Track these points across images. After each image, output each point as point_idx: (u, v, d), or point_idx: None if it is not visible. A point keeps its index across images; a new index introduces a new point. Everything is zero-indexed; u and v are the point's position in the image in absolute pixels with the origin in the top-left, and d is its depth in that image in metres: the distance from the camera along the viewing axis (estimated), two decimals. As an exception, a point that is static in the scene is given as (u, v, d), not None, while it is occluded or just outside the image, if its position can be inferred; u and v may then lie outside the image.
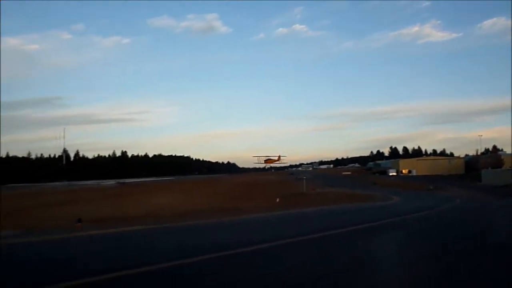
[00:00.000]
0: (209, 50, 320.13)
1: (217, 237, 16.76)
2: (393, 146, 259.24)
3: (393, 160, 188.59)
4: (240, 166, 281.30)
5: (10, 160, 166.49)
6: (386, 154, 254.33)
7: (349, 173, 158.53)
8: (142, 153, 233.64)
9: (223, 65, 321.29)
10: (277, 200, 47.27)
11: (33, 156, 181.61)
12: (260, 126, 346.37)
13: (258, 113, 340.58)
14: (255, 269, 9.54)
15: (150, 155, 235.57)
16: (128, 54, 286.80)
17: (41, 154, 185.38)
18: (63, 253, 13.92)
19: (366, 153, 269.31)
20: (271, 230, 19.50)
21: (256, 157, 54.29)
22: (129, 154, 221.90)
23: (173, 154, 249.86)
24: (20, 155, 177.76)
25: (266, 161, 50.91)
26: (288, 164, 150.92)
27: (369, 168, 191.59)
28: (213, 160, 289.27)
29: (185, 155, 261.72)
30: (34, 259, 12.37)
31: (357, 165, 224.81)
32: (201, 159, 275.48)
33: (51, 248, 15.64)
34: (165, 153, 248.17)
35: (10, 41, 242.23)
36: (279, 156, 52.30)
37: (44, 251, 14.63)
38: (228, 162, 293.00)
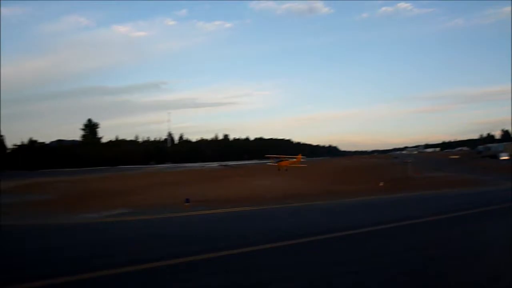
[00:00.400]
0: (310, 32, 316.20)
1: (322, 219, 16.51)
2: (505, 129, 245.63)
3: (505, 143, 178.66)
4: (342, 149, 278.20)
5: (119, 143, 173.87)
6: (497, 137, 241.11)
7: (457, 156, 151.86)
8: (243, 136, 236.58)
9: (325, 47, 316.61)
10: (381, 184, 45.95)
11: (140, 139, 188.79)
12: (362, 108, 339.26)
13: (361, 95, 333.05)
14: (364, 252, 9.33)
15: (251, 138, 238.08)
16: (231, 38, 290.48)
17: (148, 137, 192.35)
18: (179, 230, 14.29)
19: (475, 136, 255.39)
20: (376, 214, 18.98)
21: (269, 156, 44.93)
22: (231, 137, 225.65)
23: (274, 137, 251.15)
24: (128, 138, 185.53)
25: (279, 163, 40.04)
26: (392, 148, 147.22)
27: (478, 151, 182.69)
28: (314, 143, 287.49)
29: (286, 138, 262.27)
30: (154, 235, 12.79)
31: (465, 148, 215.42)
32: (301, 142, 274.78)
33: (166, 225, 16.12)
34: (266, 136, 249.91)
35: (119, 29, 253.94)
36: (300, 156, 41.44)
37: (160, 228, 15.09)
38: (330, 145, 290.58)
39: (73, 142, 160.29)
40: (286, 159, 37.88)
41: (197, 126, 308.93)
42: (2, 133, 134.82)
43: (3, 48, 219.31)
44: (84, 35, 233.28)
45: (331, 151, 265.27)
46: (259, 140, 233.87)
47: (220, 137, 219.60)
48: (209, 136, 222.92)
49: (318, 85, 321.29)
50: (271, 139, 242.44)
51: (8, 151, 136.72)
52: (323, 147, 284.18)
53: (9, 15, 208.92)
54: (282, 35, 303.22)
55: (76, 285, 7.03)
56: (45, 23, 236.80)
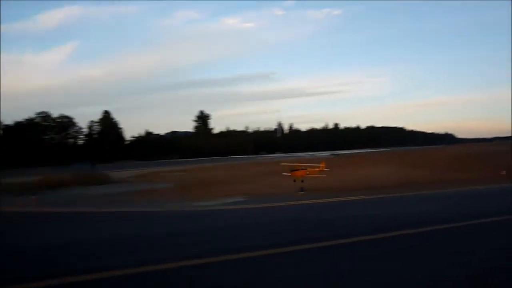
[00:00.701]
0: (422, 16, 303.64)
1: (430, 210, 15.97)
2: None
3: None
4: (458, 136, 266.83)
5: (230, 134, 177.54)
6: None
7: None
8: (354, 125, 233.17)
9: (438, 30, 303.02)
10: (503, 172, 43.35)
11: (250, 130, 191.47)
12: (481, 92, 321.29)
13: (480, 78, 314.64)
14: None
15: (363, 126, 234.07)
16: (340, 25, 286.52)
17: (258, 128, 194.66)
18: (293, 217, 14.39)
19: None
20: (503, 203, 18.02)
21: (284, 164, 34.37)
22: (341, 126, 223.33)
23: (386, 126, 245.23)
24: (238, 129, 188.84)
25: (293, 172, 29.74)
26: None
27: None
28: (428, 131, 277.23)
29: (398, 126, 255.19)
30: (270, 222, 13.00)
31: None
32: (415, 130, 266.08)
33: (282, 213, 16.27)
34: (378, 124, 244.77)
35: (228, 21, 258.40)
36: (323, 164, 31.01)
37: (275, 215, 15.24)
38: (445, 133, 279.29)
39: (186, 133, 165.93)
40: (303, 168, 30.42)
41: (306, 116, 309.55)
42: (121, 126, 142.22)
43: (121, 44, 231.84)
44: (195, 29, 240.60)
45: (446, 139, 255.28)
46: (371, 129, 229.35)
47: (330, 126, 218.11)
48: (319, 125, 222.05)
49: (433, 70, 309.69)
50: (382, 127, 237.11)
51: (126, 142, 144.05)
52: (438, 134, 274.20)
53: (125, 12, 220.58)
54: (393, 20, 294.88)
55: (206, 267, 7.30)
56: (158, 18, 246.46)
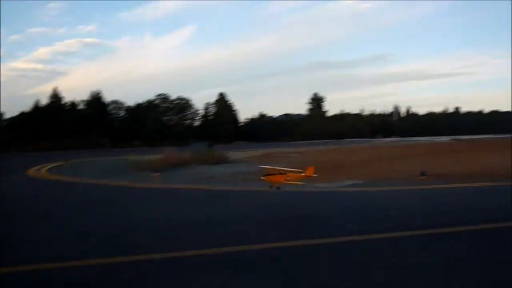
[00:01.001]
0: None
1: None
2: None
3: None
4: None
5: (344, 117, 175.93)
6: None
7: None
8: (476, 109, 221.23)
9: None
10: None
11: (365, 113, 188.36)
12: None
13: None
14: None
15: (486, 110, 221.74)
16: (463, 5, 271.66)
17: (373, 111, 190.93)
18: (416, 203, 13.91)
19: None
20: None
21: (263, 167, 26.32)
22: (463, 110, 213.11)
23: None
24: (353, 112, 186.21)
25: (267, 177, 23.21)
26: None
27: None
28: None
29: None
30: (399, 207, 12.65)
31: None
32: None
33: (405, 197, 15.78)
34: (504, 108, 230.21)
35: (344, 2, 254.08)
36: (312, 169, 23.64)
37: (397, 200, 14.78)
38: None
39: (299, 116, 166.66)
40: (281, 172, 23.48)
41: (425, 99, 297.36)
42: (235, 108, 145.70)
43: (237, 27, 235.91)
44: (311, 11, 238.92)
45: None
46: (495, 113, 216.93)
47: (451, 109, 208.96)
48: (438, 109, 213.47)
49: None
50: (508, 112, 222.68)
51: (241, 124, 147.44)
52: None
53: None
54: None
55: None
56: (273, 1, 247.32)
